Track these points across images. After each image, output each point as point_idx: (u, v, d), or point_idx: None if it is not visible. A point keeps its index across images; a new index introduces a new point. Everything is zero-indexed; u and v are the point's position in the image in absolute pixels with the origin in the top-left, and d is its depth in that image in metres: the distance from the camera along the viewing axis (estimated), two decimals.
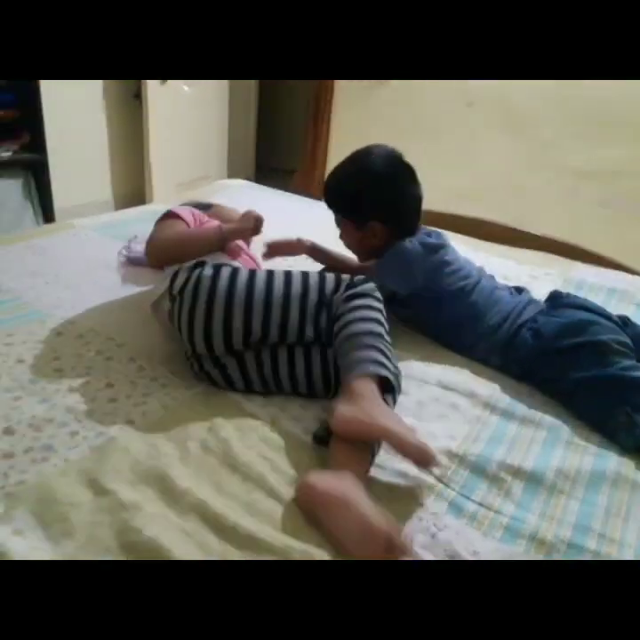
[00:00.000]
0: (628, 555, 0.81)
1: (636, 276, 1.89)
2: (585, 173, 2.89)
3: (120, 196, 3.43)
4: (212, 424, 0.99)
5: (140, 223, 1.94)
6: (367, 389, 0.92)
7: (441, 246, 1.38)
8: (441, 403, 1.12)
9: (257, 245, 1.57)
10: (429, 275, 1.32)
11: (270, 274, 1.10)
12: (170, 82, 3.20)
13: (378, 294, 1.09)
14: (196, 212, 1.42)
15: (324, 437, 0.97)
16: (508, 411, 1.11)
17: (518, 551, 0.81)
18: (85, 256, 1.67)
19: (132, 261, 1.65)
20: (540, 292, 1.44)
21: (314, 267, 1.40)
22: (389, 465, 0.94)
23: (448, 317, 1.33)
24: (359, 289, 1.07)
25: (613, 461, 0.99)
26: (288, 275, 1.10)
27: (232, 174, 3.73)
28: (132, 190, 3.42)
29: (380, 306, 1.07)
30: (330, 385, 1.08)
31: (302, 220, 2.05)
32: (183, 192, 3.25)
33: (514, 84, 2.93)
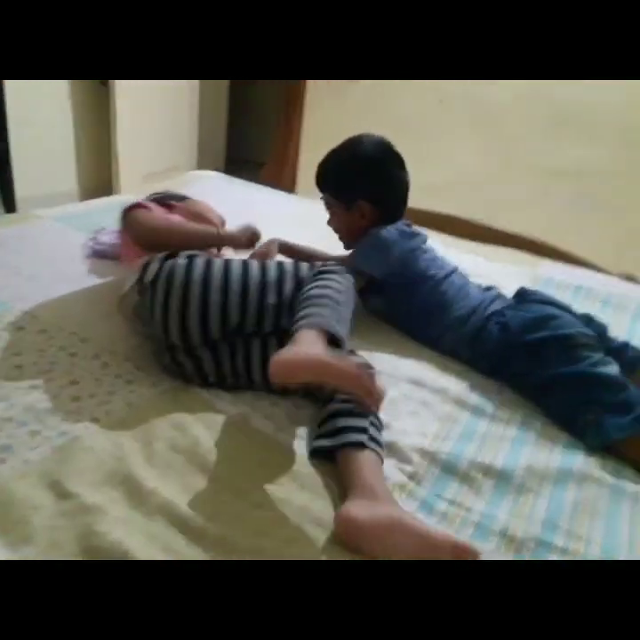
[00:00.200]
0: (595, 551, 0.82)
1: (602, 274, 1.93)
2: (555, 172, 2.94)
3: (85, 187, 3.33)
4: (180, 422, 0.97)
5: (106, 214, 1.89)
6: (308, 335, 0.89)
7: (417, 234, 1.43)
8: (412, 399, 1.12)
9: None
10: (405, 257, 1.36)
11: (245, 263, 1.10)
12: None
13: (346, 275, 1.09)
14: (160, 208, 1.38)
15: (322, 449, 0.93)
16: (478, 407, 1.12)
17: (489, 548, 0.81)
18: (49, 247, 1.62)
19: (97, 253, 1.60)
20: (508, 289, 1.45)
21: None
22: None
23: (419, 305, 1.34)
24: (327, 268, 1.09)
25: (580, 460, 1.00)
26: (263, 263, 1.11)
27: (202, 165, 3.67)
28: (98, 181, 3.33)
29: (343, 280, 1.06)
30: None
31: (273, 213, 2.02)
32: (151, 183, 3.18)
33: (485, 82, 2.94)
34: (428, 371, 1.22)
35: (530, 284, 1.49)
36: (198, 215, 1.43)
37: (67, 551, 0.71)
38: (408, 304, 1.36)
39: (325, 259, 1.44)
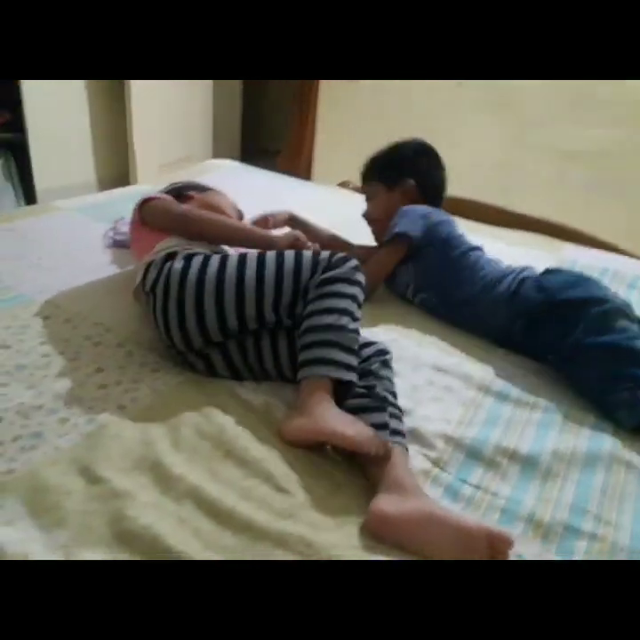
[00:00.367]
0: (624, 536, 0.82)
1: (626, 257, 1.90)
2: (573, 154, 2.89)
3: (103, 177, 3.35)
4: (205, 409, 0.98)
5: (125, 204, 1.89)
6: (312, 395, 0.92)
7: (447, 216, 1.53)
8: (435, 385, 1.12)
9: None
10: (440, 222, 1.46)
11: (242, 260, 1.04)
12: None
13: (356, 276, 1.03)
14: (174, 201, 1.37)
15: None
16: (502, 393, 1.11)
17: (516, 533, 0.81)
18: (69, 238, 1.63)
19: (118, 243, 1.61)
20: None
21: None
22: None
23: (453, 265, 1.40)
24: (334, 273, 1.01)
25: (608, 443, 0.99)
26: (261, 260, 1.04)
27: (217, 154, 3.66)
28: (116, 171, 3.34)
29: (354, 290, 1.01)
30: None
31: (290, 200, 2.01)
32: (167, 173, 3.19)
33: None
34: (450, 357, 1.22)
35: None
36: (215, 208, 1.43)
37: (98, 535, 0.72)
38: (442, 266, 1.40)
39: (332, 244, 1.52)
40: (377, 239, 1.60)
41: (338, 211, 2.00)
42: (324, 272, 1.02)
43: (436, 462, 0.93)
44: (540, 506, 0.86)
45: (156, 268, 1.09)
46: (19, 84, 2.60)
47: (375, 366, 1.02)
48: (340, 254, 1.05)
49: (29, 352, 1.07)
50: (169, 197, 1.34)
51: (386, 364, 1.04)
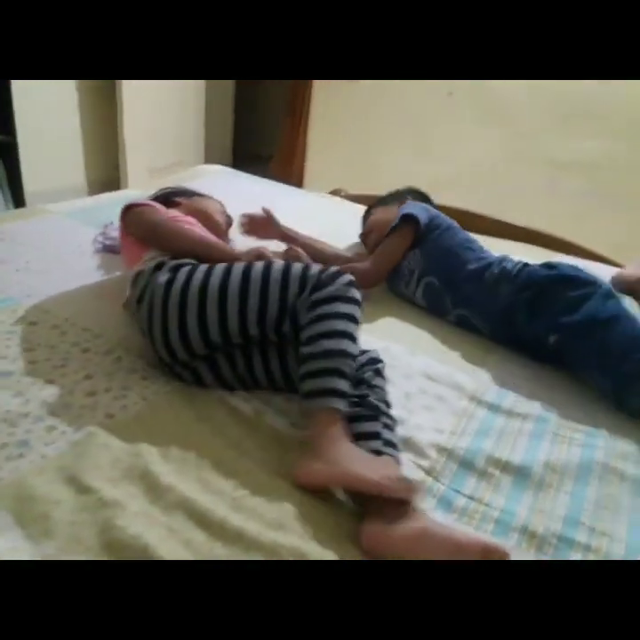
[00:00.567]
0: (619, 548, 0.82)
1: (616, 268, 1.91)
2: (564, 164, 2.92)
3: (93, 181, 3.33)
4: (195, 418, 0.97)
5: (114, 209, 1.87)
6: (326, 433, 0.86)
7: None
8: (428, 394, 1.11)
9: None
10: (441, 214, 1.58)
11: (227, 272, 1.00)
12: None
13: (350, 293, 0.97)
14: (162, 207, 1.35)
15: None
16: (494, 403, 1.11)
17: (510, 545, 0.80)
18: (58, 242, 1.61)
19: (107, 248, 1.59)
20: None
21: None
22: None
23: (459, 242, 1.48)
24: (327, 292, 0.96)
25: (600, 453, 1.00)
26: (246, 274, 1.00)
27: (209, 160, 3.65)
28: (106, 175, 3.32)
29: (350, 309, 0.96)
30: None
31: (279, 206, 2.01)
32: (158, 177, 3.17)
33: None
34: (442, 366, 1.21)
35: None
36: (202, 213, 1.42)
37: (87, 545, 0.70)
38: (448, 247, 1.46)
39: (326, 256, 1.54)
40: (371, 252, 1.60)
41: (330, 218, 2.00)
42: (314, 290, 0.96)
43: (429, 472, 0.93)
44: (534, 517, 0.86)
45: (144, 278, 1.08)
46: (8, 85, 2.58)
47: (368, 375, 1.01)
48: (331, 270, 0.99)
49: (16, 358, 1.05)
50: (152, 205, 1.31)
51: (378, 373, 1.03)
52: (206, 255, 1.13)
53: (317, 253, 1.57)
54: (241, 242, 1.57)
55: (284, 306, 0.97)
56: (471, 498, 0.88)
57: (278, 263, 1.02)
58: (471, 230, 2.05)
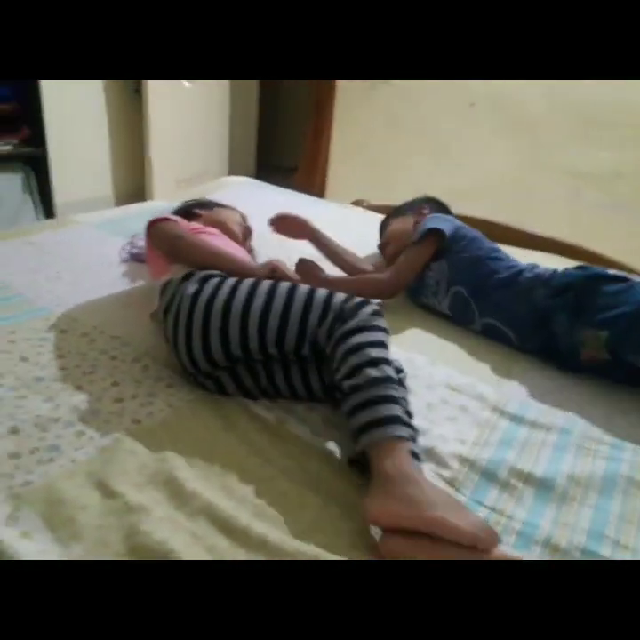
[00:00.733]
0: None
1: None
2: (587, 175, 2.89)
3: (120, 192, 3.40)
4: (219, 426, 0.98)
5: (141, 219, 1.91)
6: (394, 466, 0.81)
7: None
8: (450, 405, 1.11)
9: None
10: (465, 225, 1.58)
11: (252, 291, 1.02)
12: None
13: (376, 323, 0.97)
14: (183, 221, 1.39)
15: (360, 461, 0.90)
16: (517, 414, 1.10)
17: (533, 557, 0.80)
18: (87, 252, 1.66)
19: (134, 257, 1.63)
20: None
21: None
22: None
23: (486, 252, 1.48)
24: (353, 324, 0.95)
25: (625, 466, 0.98)
26: (270, 296, 1.01)
27: (233, 171, 3.71)
28: (133, 186, 3.39)
29: (379, 336, 0.95)
30: (331, 394, 1.05)
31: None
32: (184, 188, 3.23)
33: (516, 84, 2.92)
34: (464, 376, 1.21)
35: None
36: (221, 224, 1.45)
37: (114, 549, 0.72)
38: (476, 257, 1.46)
39: (351, 266, 1.60)
40: (389, 262, 1.62)
41: (352, 229, 2.01)
42: (336, 320, 0.97)
43: (450, 483, 0.92)
44: (557, 530, 0.85)
45: (172, 288, 1.10)
46: (39, 100, 2.66)
47: None
48: (355, 300, 0.99)
49: (47, 365, 1.09)
50: (174, 219, 1.34)
51: (401, 384, 1.03)
52: (225, 268, 1.17)
53: (338, 260, 1.63)
54: (264, 252, 1.59)
55: (303, 331, 0.98)
56: (493, 509, 0.88)
57: (304, 287, 1.04)
58: (494, 240, 2.05)
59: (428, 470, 0.93)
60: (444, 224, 1.51)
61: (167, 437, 0.94)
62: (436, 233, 1.48)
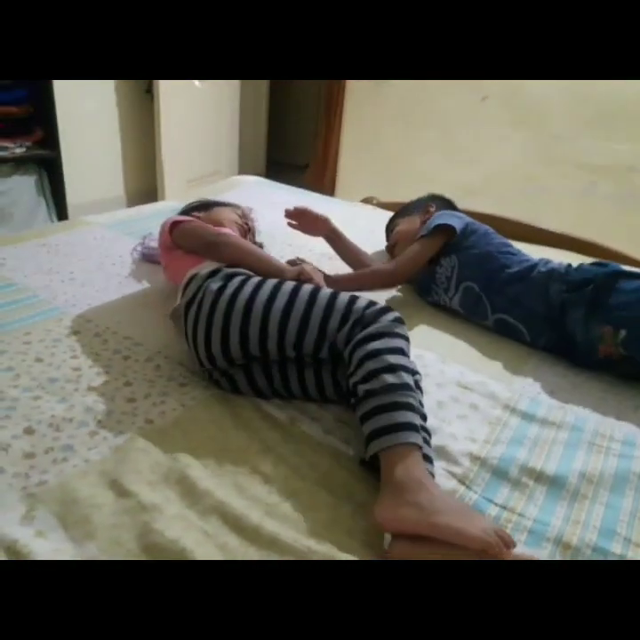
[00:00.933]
0: None
1: None
2: (599, 168, 2.86)
3: (132, 192, 3.43)
4: (231, 425, 0.99)
5: (153, 220, 1.94)
6: (405, 472, 0.81)
7: None
8: (460, 403, 1.11)
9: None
10: (473, 220, 1.56)
11: (275, 291, 1.03)
12: None
13: (397, 330, 0.97)
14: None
15: (371, 462, 0.89)
16: (528, 412, 1.10)
17: (544, 555, 0.80)
18: (100, 253, 1.67)
19: (146, 258, 1.65)
20: None
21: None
22: None
23: (497, 247, 1.47)
24: (373, 329, 0.95)
25: (638, 463, 0.98)
26: (292, 296, 1.02)
27: (243, 170, 3.72)
28: (144, 186, 3.42)
29: (400, 343, 0.95)
30: (344, 395, 1.05)
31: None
32: (194, 188, 3.25)
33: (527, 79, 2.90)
34: (475, 374, 1.21)
35: None
36: (218, 224, 1.46)
37: (127, 548, 0.73)
38: (487, 252, 1.45)
39: (364, 263, 1.58)
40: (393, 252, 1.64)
41: (363, 226, 2.01)
42: (356, 324, 0.97)
43: (461, 480, 0.93)
44: (568, 527, 0.85)
45: (197, 282, 1.11)
46: (53, 103, 2.69)
47: None
48: (377, 307, 0.99)
49: (61, 365, 1.10)
50: (195, 220, 1.37)
51: (417, 387, 1.03)
52: (255, 267, 1.19)
53: (352, 260, 1.63)
54: (273, 251, 1.60)
55: (323, 334, 0.99)
56: (504, 507, 0.88)
57: (326, 290, 1.04)
58: (506, 236, 2.04)
59: (438, 468, 0.93)
60: (454, 220, 1.51)
61: (179, 436, 0.95)
62: (445, 228, 1.48)
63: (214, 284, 1.07)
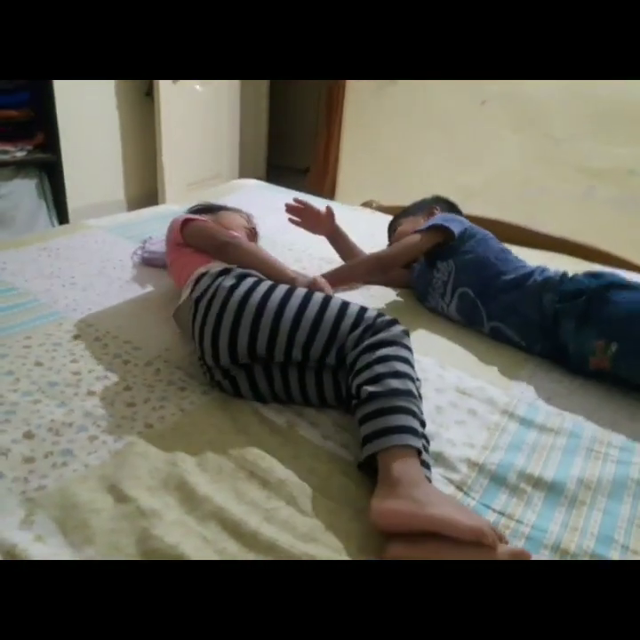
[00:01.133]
0: None
1: None
2: (599, 172, 2.87)
3: (132, 196, 3.44)
4: (230, 429, 0.99)
5: (153, 223, 1.95)
6: (403, 469, 0.82)
7: None
8: (459, 408, 1.11)
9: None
10: (474, 225, 1.56)
11: (288, 294, 1.05)
12: (181, 80, 3.21)
13: (405, 341, 0.99)
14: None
15: (369, 464, 0.90)
16: (526, 417, 1.10)
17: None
18: (101, 257, 1.68)
19: (147, 262, 1.65)
20: None
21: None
22: None
23: (494, 253, 1.46)
24: (384, 336, 0.97)
25: (636, 469, 0.98)
26: (306, 299, 1.04)
27: (243, 174, 3.73)
28: (145, 190, 3.43)
29: (408, 354, 0.98)
30: (343, 400, 1.05)
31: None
32: (194, 192, 3.26)
33: (527, 82, 2.91)
34: (473, 379, 1.21)
35: None
36: (226, 228, 1.47)
37: (126, 553, 0.73)
38: (483, 258, 1.45)
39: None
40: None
41: (362, 230, 2.01)
42: (367, 330, 0.98)
43: (459, 486, 0.93)
44: (566, 534, 0.85)
45: (210, 279, 1.11)
46: (53, 107, 2.70)
47: None
48: (387, 317, 1.02)
49: (61, 369, 1.11)
50: (205, 219, 1.38)
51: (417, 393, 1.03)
52: (266, 273, 1.19)
53: (350, 259, 1.62)
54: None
55: (333, 336, 1.00)
56: (502, 513, 0.88)
57: (338, 298, 1.06)
58: (504, 240, 2.05)
59: (436, 475, 0.93)
60: (454, 223, 1.51)
61: (179, 441, 0.95)
62: (443, 229, 1.48)
63: (227, 282, 1.08)
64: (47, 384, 1.06)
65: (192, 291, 1.13)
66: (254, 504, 0.84)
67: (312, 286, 1.17)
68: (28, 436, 0.92)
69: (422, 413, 0.94)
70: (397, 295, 1.62)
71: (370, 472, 0.91)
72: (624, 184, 2.82)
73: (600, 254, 2.02)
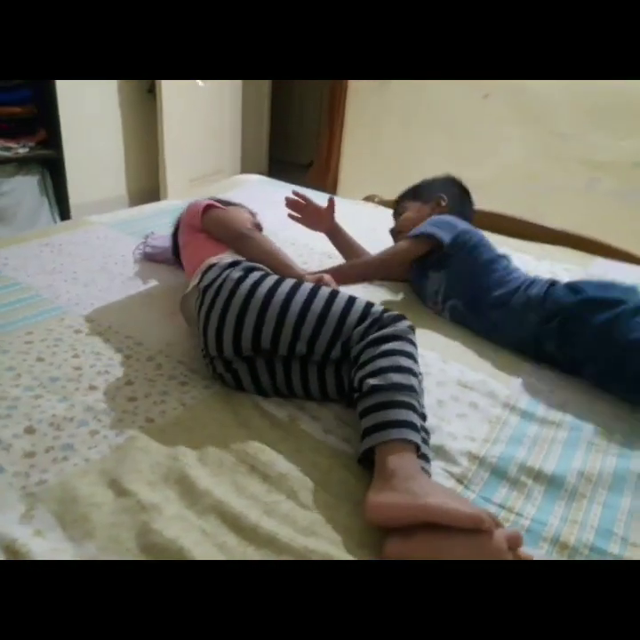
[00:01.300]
0: None
1: None
2: (603, 165, 2.85)
3: (134, 192, 3.44)
4: (231, 423, 1.00)
5: (155, 219, 1.95)
6: (399, 463, 0.82)
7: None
8: (460, 402, 1.11)
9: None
10: (467, 230, 1.50)
11: (295, 287, 1.05)
12: None
13: (411, 337, 0.99)
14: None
15: (369, 459, 0.89)
16: (527, 411, 1.10)
17: (540, 554, 0.80)
18: (103, 253, 1.68)
19: (149, 257, 1.65)
20: None
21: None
22: None
23: (483, 267, 1.42)
24: (391, 330, 0.97)
25: (636, 462, 0.98)
26: (312, 294, 1.04)
27: (245, 169, 3.73)
28: (146, 185, 3.43)
29: (412, 349, 0.98)
30: (345, 394, 1.06)
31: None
32: (197, 187, 3.26)
33: None
34: (475, 373, 1.21)
35: None
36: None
37: (125, 547, 0.73)
38: (472, 271, 1.42)
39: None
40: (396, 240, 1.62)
41: (364, 224, 2.01)
42: (373, 324, 0.99)
43: (459, 479, 0.93)
44: (566, 527, 0.85)
45: (218, 269, 1.12)
46: (55, 104, 2.70)
47: None
48: (394, 313, 1.02)
49: (62, 365, 1.11)
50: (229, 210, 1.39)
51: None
52: (275, 268, 1.19)
53: (350, 257, 1.61)
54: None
55: (339, 330, 1.00)
56: (502, 506, 0.88)
57: (344, 293, 1.06)
58: (508, 234, 2.04)
59: (437, 468, 0.93)
60: (445, 229, 1.46)
61: (180, 435, 0.95)
62: (431, 237, 1.45)
63: (235, 274, 1.08)
64: (48, 379, 1.06)
65: (200, 281, 1.13)
66: (255, 498, 0.84)
67: (319, 282, 1.16)
68: (30, 430, 0.92)
69: (423, 408, 0.94)
70: (401, 290, 1.62)
71: (371, 466, 0.91)
72: (628, 177, 2.81)
73: (603, 247, 2.01)
